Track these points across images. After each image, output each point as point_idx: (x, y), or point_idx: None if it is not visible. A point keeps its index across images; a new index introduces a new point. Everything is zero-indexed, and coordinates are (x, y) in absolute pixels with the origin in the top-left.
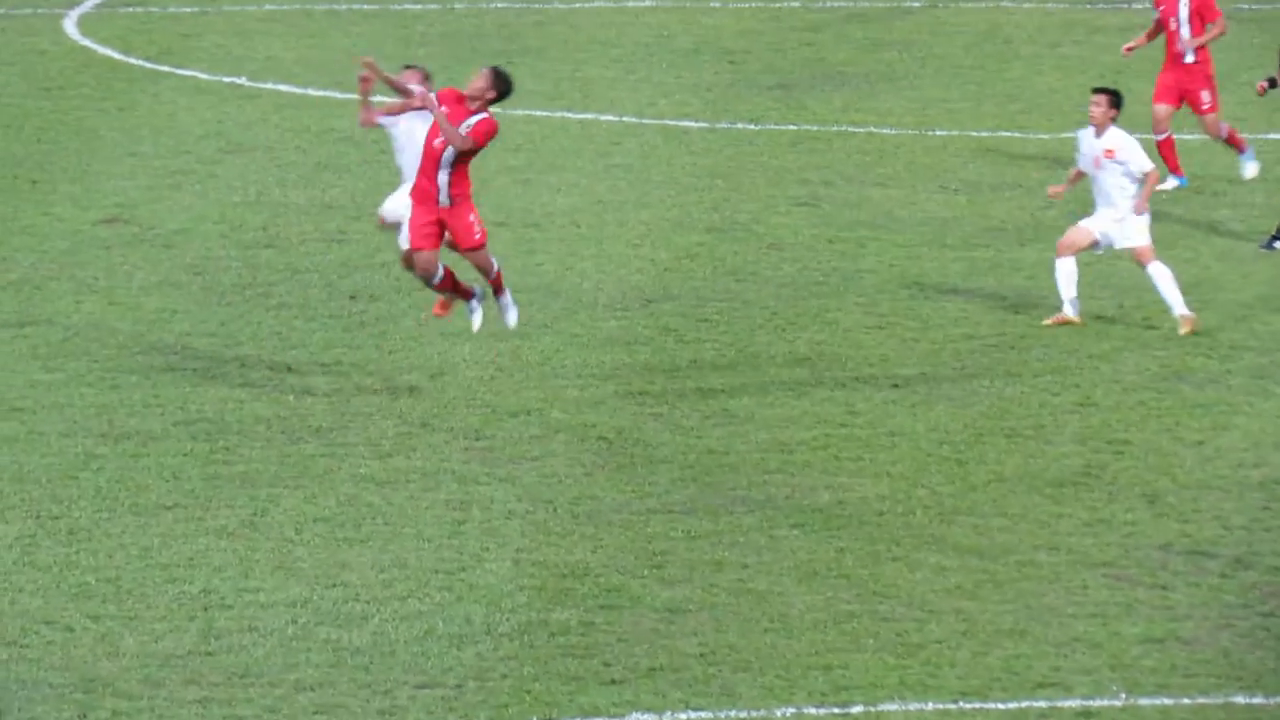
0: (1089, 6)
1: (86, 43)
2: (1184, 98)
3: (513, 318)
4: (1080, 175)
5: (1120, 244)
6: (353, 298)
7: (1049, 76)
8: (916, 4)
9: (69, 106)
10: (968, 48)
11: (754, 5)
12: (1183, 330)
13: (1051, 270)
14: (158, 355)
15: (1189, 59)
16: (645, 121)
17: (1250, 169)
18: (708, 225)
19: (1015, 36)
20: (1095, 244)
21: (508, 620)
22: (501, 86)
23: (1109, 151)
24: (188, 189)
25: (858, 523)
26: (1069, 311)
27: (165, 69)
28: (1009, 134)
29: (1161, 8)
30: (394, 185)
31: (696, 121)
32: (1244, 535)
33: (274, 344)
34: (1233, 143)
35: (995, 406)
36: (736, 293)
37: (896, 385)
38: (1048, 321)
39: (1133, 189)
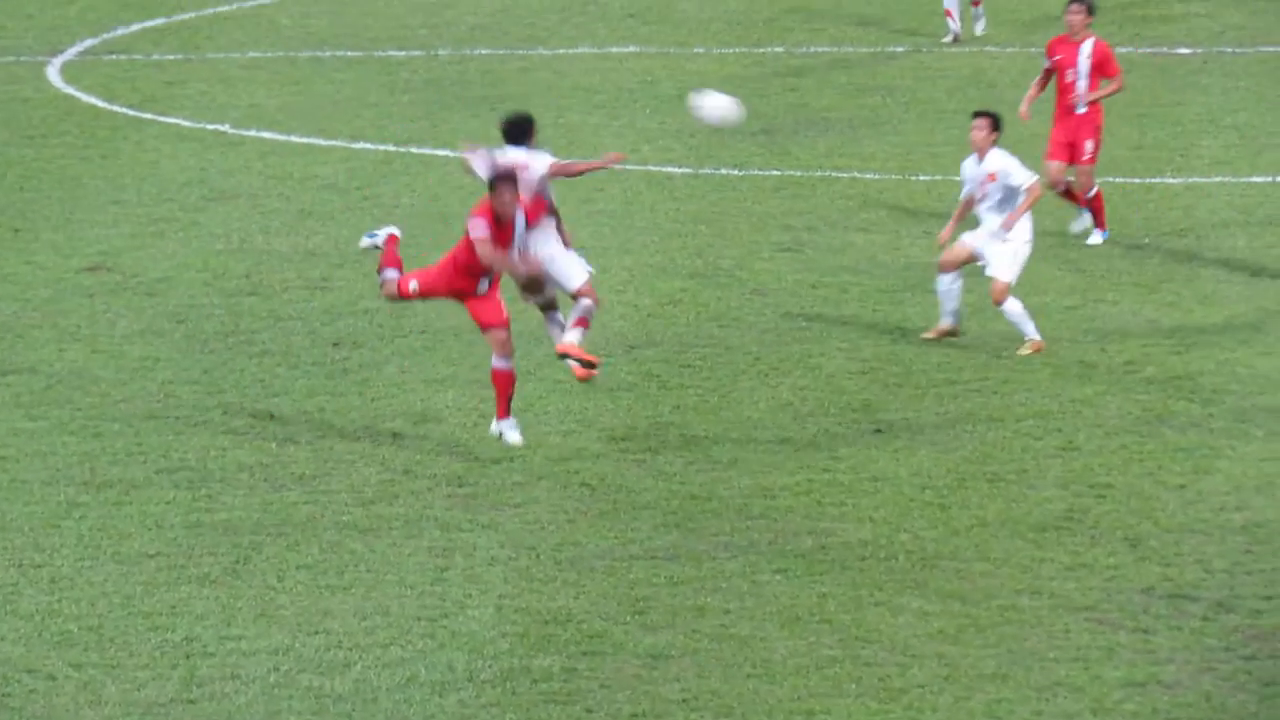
0: None
1: (70, 90)
2: (1069, 147)
3: (513, 437)
4: (969, 204)
5: (988, 270)
6: (336, 345)
7: (1033, 120)
8: (900, 49)
9: (52, 154)
10: (951, 92)
11: (737, 50)
12: (1023, 350)
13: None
14: (140, 403)
15: (1081, 110)
16: (629, 167)
17: (1094, 236)
18: (691, 271)
19: (999, 81)
20: (974, 257)
21: (490, 667)
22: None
23: (991, 176)
24: (171, 237)
25: (840, 568)
26: (948, 323)
27: (148, 116)
28: None
29: (1058, 57)
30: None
31: (680, 167)
32: (1226, 579)
33: (257, 391)
34: (1093, 207)
35: (978, 451)
36: (720, 338)
37: (879, 430)
38: (928, 334)
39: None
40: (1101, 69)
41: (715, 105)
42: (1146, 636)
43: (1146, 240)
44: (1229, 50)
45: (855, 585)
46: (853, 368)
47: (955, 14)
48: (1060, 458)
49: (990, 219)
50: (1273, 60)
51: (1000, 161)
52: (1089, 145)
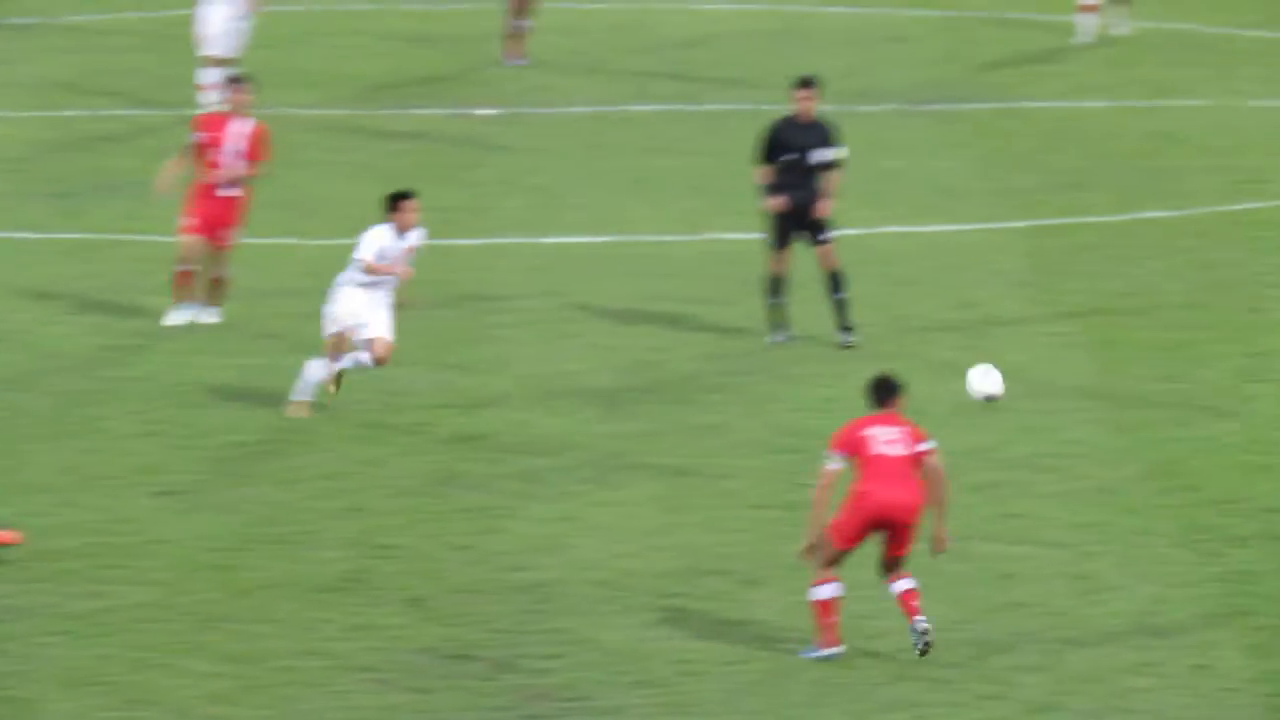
0: (373, 112)
1: None
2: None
3: None
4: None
5: (368, 332)
6: None
7: (330, 182)
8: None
9: None
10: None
11: (40, 114)
12: (295, 412)
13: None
14: None
15: (230, 192)
16: None
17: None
18: None
19: (302, 142)
20: (355, 330)
21: None
22: None
23: (411, 248)
24: None
25: (120, 630)
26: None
27: None
28: (286, 240)
29: (204, 134)
30: None
31: None
32: (508, 638)
33: None
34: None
35: (263, 514)
36: (9, 402)
37: (163, 492)
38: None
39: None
40: (254, 149)
41: (988, 381)
42: (425, 696)
43: (441, 303)
44: (531, 111)
45: (136, 647)
46: (140, 430)
47: None
48: (346, 519)
49: (375, 292)
50: (576, 121)
51: (420, 235)
52: (231, 234)
